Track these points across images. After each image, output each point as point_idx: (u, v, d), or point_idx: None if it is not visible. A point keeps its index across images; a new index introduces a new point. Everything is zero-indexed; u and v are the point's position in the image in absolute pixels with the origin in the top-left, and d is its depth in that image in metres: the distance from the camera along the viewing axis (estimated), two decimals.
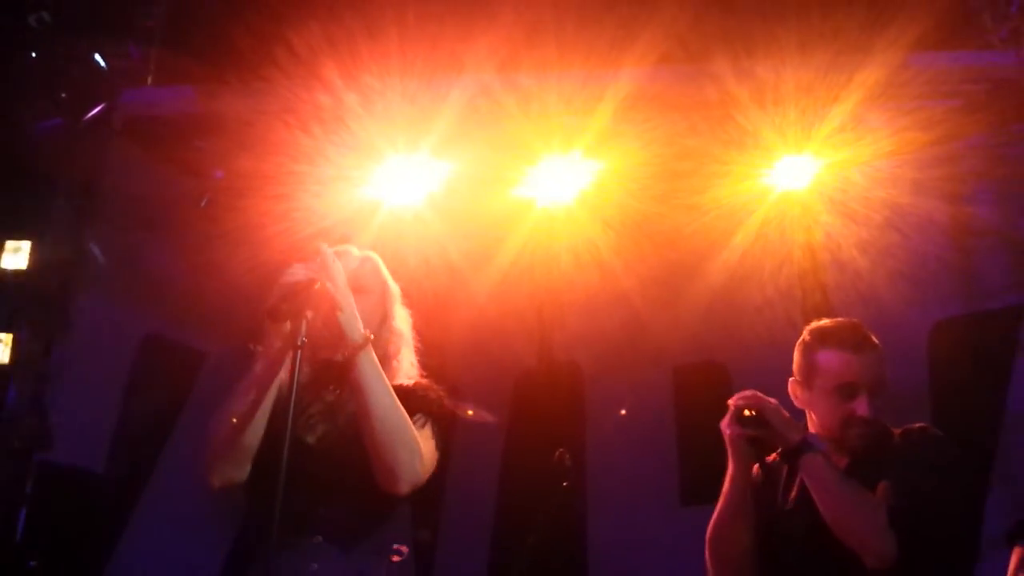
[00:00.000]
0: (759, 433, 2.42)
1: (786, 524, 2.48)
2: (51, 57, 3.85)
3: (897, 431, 2.53)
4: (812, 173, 4.38)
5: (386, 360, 2.23)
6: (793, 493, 2.50)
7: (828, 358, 2.49)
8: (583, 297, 5.16)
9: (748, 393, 2.47)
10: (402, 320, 2.36)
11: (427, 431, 2.19)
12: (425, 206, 4.61)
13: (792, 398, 2.61)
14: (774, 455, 2.51)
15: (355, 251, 2.37)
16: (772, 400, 2.44)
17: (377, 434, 2.03)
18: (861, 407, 2.41)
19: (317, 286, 2.03)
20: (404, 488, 2.08)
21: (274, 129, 3.85)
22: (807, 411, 2.58)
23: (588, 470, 5.41)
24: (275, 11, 3.62)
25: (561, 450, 4.71)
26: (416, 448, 2.07)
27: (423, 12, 3.61)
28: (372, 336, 2.09)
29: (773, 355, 5.22)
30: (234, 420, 2.04)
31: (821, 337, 2.55)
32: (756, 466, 2.58)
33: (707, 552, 2.54)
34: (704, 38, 3.73)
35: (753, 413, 2.42)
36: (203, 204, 4.22)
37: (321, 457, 2.08)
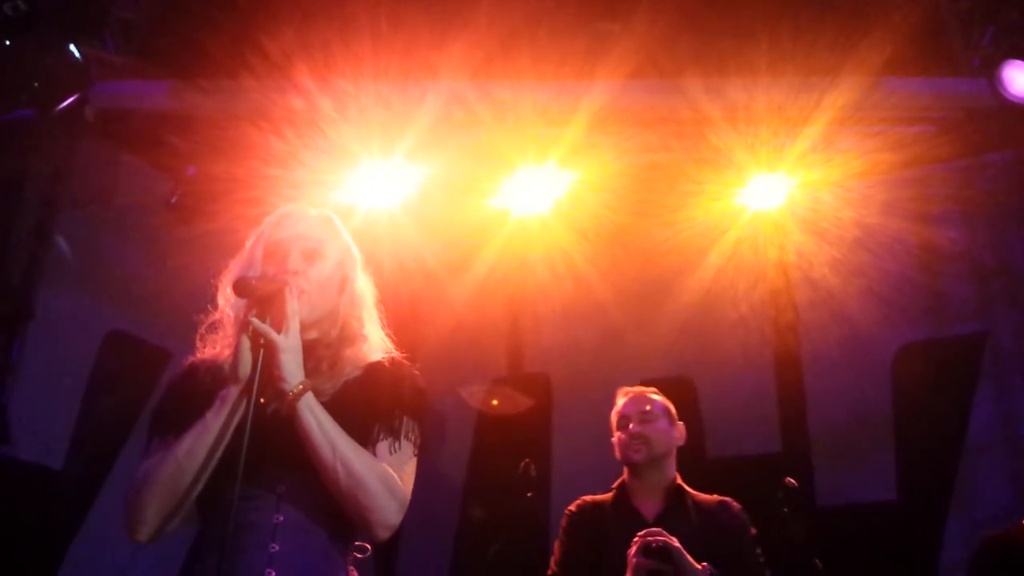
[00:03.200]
0: (663, 568, 2.70)
1: None
2: (25, 46, 3.80)
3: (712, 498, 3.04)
4: (784, 192, 4.42)
5: (352, 338, 2.08)
6: None
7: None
8: (558, 307, 5.16)
9: (657, 531, 2.79)
10: (365, 287, 2.17)
11: (403, 452, 2.01)
12: (400, 211, 4.60)
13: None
14: None
15: (312, 211, 2.17)
16: (676, 543, 2.77)
17: (339, 485, 1.87)
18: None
19: (287, 290, 1.93)
20: (382, 535, 1.93)
21: (246, 133, 3.82)
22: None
23: (554, 481, 5.40)
24: (248, 13, 3.60)
25: (527, 461, 4.71)
26: (384, 491, 1.91)
27: (397, 18, 3.60)
28: (308, 385, 1.92)
29: (744, 372, 5.28)
30: (175, 476, 1.88)
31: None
32: None
33: None
34: (676, 56, 3.75)
35: (659, 548, 2.72)
36: (173, 201, 4.18)
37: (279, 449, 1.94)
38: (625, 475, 3.12)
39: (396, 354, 2.14)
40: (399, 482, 1.95)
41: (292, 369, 1.89)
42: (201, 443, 1.89)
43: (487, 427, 5.66)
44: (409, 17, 3.59)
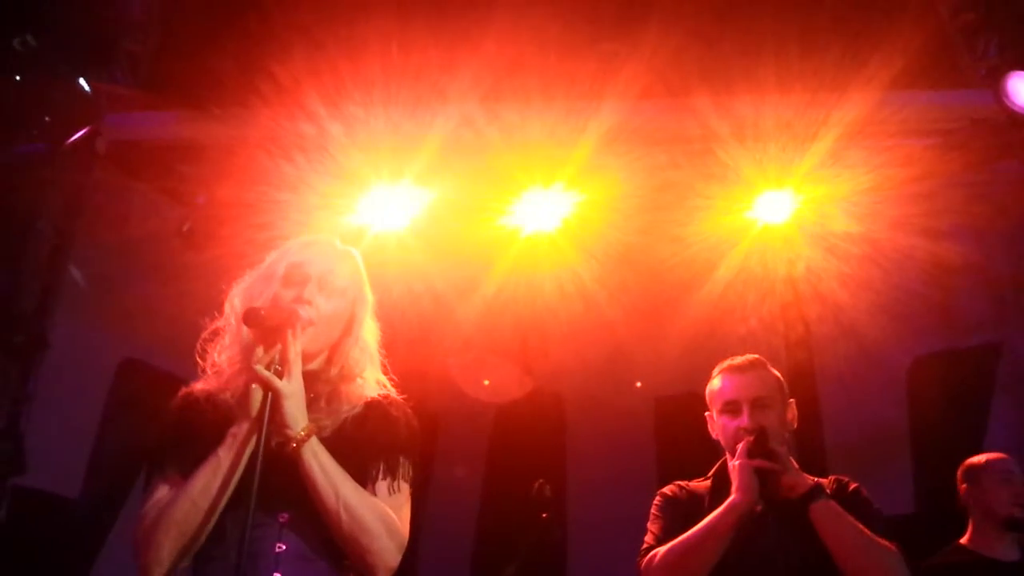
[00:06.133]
0: (770, 467, 2.55)
1: (765, 562, 2.51)
2: (35, 81, 3.84)
3: (826, 479, 2.70)
4: (792, 208, 4.42)
5: (349, 377, 2.12)
6: (772, 532, 2.55)
7: (717, 383, 2.80)
8: (566, 327, 5.16)
9: (761, 430, 2.60)
10: (370, 332, 2.19)
11: (400, 495, 2.04)
12: (409, 235, 4.61)
13: (710, 432, 2.84)
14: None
15: (338, 245, 2.21)
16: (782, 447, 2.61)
17: (341, 528, 1.91)
18: (743, 420, 2.65)
19: (298, 323, 1.96)
20: (382, 575, 1.97)
21: (256, 158, 3.85)
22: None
23: (569, 501, 5.39)
24: (258, 41, 3.63)
25: (541, 481, 4.70)
26: (384, 534, 1.94)
27: (407, 43, 3.63)
28: (312, 430, 1.94)
29: None
30: (191, 514, 1.90)
31: (716, 370, 2.86)
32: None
33: (666, 571, 2.53)
34: (684, 74, 3.78)
35: (765, 446, 2.56)
36: (185, 229, 4.21)
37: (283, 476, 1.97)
38: (727, 460, 2.76)
39: (393, 394, 2.18)
40: (398, 524, 1.99)
41: (295, 415, 1.92)
42: (216, 480, 1.91)
43: (500, 447, 5.66)
44: (419, 41, 3.62)
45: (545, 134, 3.96)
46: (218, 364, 2.11)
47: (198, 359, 2.14)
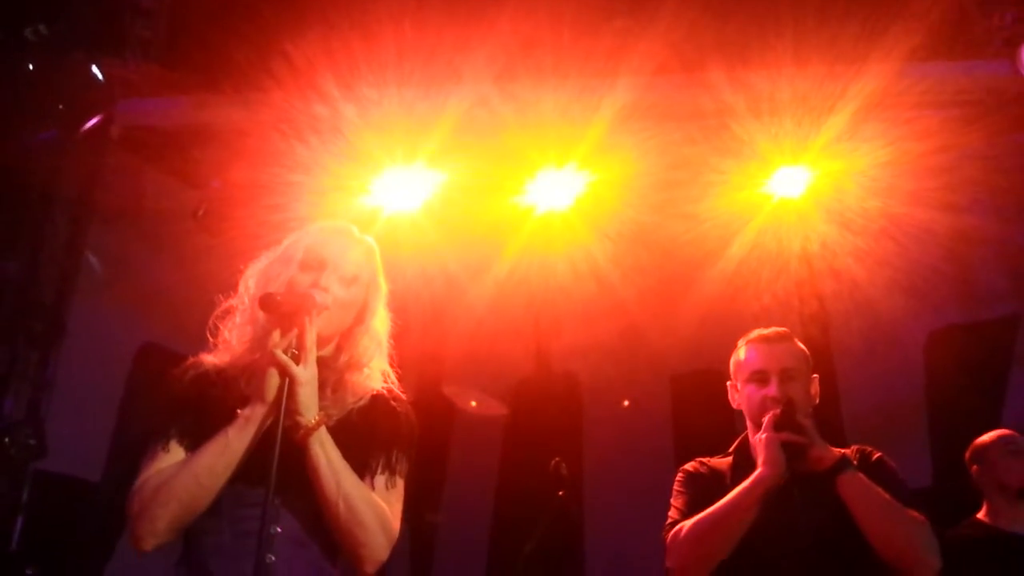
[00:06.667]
0: (797, 441, 2.52)
1: (791, 535, 2.49)
2: (48, 69, 3.84)
3: (849, 449, 2.66)
4: (808, 182, 4.39)
5: (357, 366, 2.13)
6: (798, 505, 2.52)
7: (744, 353, 2.76)
8: (580, 306, 5.16)
9: (788, 403, 2.57)
10: (381, 322, 2.20)
11: (396, 491, 2.08)
12: (422, 216, 4.61)
13: (731, 402, 2.80)
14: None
15: (357, 234, 2.22)
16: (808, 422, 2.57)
17: (339, 519, 1.94)
18: (772, 390, 2.62)
19: (314, 310, 1.97)
20: (370, 569, 2.01)
21: (270, 140, 3.85)
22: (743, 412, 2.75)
23: (585, 479, 5.41)
24: (272, 23, 3.62)
25: (558, 459, 4.71)
26: (379, 529, 1.98)
27: (420, 23, 3.61)
28: (322, 420, 1.97)
29: None
30: (193, 490, 1.91)
31: (743, 341, 2.82)
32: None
33: (690, 547, 2.51)
34: (700, 48, 3.74)
35: (793, 420, 2.53)
36: (200, 213, 4.22)
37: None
38: (749, 432, 2.74)
39: (396, 388, 2.19)
40: (392, 520, 2.03)
41: (308, 403, 1.94)
42: (223, 462, 1.92)
43: (517, 427, 5.67)
44: (432, 21, 3.60)
45: (559, 112, 3.94)
46: (228, 340, 2.12)
47: (208, 335, 2.14)
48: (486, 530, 5.52)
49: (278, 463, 1.87)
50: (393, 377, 2.21)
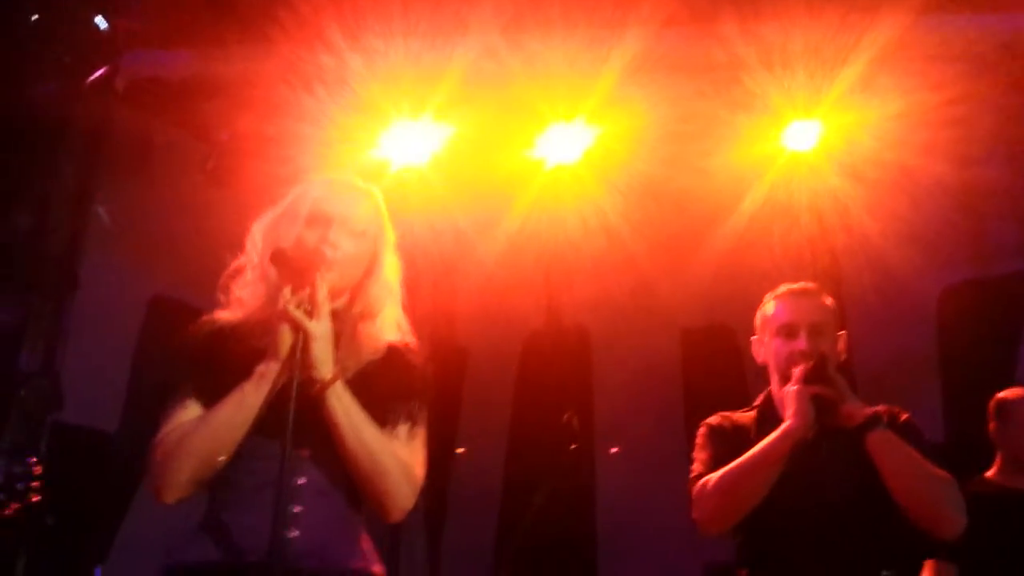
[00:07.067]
0: (827, 394, 2.49)
1: (818, 490, 2.49)
2: (53, 20, 3.82)
3: (878, 408, 2.60)
4: (820, 135, 4.33)
5: (369, 316, 2.14)
6: (825, 460, 2.52)
7: (771, 307, 2.72)
8: (590, 261, 5.14)
9: (821, 358, 2.54)
10: (391, 270, 2.21)
11: (418, 440, 2.10)
12: (431, 170, 4.59)
13: (755, 357, 2.77)
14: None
15: (359, 184, 2.22)
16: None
17: (361, 470, 1.96)
18: (801, 343, 2.58)
19: (324, 265, 1.98)
20: (396, 517, 2.03)
21: (277, 91, 3.83)
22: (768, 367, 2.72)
23: (596, 433, 5.45)
24: None
25: (569, 413, 4.74)
26: (402, 477, 2.00)
27: None
28: (338, 374, 1.97)
29: None
30: (210, 445, 1.93)
31: (770, 295, 2.78)
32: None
33: (718, 499, 2.49)
34: None
35: (825, 376, 2.50)
36: (208, 167, 4.21)
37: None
38: (774, 387, 2.69)
39: (410, 338, 2.20)
40: (415, 468, 2.05)
41: (323, 357, 1.94)
42: (240, 416, 1.94)
43: (527, 381, 5.70)
44: None
45: (568, 63, 3.89)
46: (241, 298, 2.13)
47: (220, 295, 2.15)
48: (498, 483, 5.58)
49: (299, 416, 1.88)
50: (407, 326, 2.22)
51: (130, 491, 4.70)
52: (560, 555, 4.94)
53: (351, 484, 2.01)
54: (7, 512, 2.76)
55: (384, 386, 2.08)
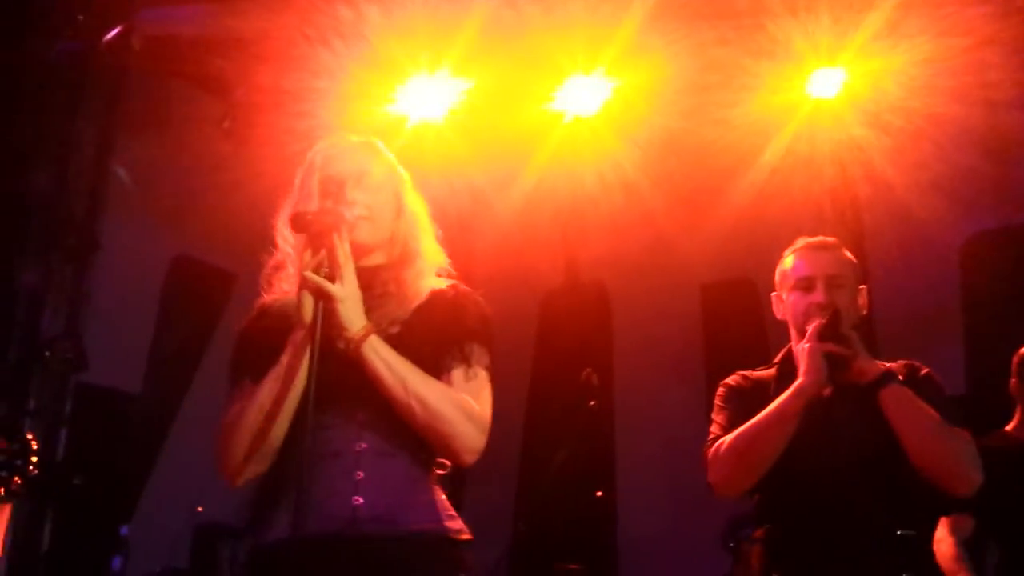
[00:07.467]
0: (842, 352, 2.46)
1: (832, 448, 2.48)
2: None
3: (896, 364, 2.58)
4: (844, 83, 4.26)
5: (411, 256, 2.11)
6: (840, 417, 2.50)
7: (790, 262, 2.68)
8: (608, 217, 5.11)
9: (835, 311, 2.50)
10: (417, 205, 2.17)
11: (476, 380, 2.02)
12: (447, 126, 4.55)
13: (775, 314, 2.73)
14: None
15: (354, 139, 2.18)
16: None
17: (417, 420, 1.92)
18: (818, 296, 2.55)
19: (344, 224, 1.92)
20: (468, 460, 1.96)
21: (294, 44, 3.79)
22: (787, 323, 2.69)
23: (616, 389, 5.45)
24: None
25: (588, 369, 4.73)
26: (462, 418, 1.93)
27: None
28: (370, 329, 1.93)
29: None
30: (260, 421, 1.92)
31: (789, 251, 2.74)
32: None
33: (732, 462, 2.48)
34: None
35: (838, 333, 2.46)
36: (225, 125, 4.19)
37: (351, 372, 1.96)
38: (794, 343, 2.64)
39: (452, 272, 2.16)
40: (476, 407, 1.98)
41: (351, 317, 1.90)
42: (282, 388, 1.92)
43: (547, 338, 5.70)
44: None
45: (588, 11, 3.82)
46: (281, 285, 2.12)
47: (262, 292, 2.14)
48: (518, 441, 5.60)
49: (345, 381, 1.88)
50: (444, 257, 2.18)
51: (154, 451, 4.76)
52: (579, 513, 4.97)
53: (414, 443, 1.97)
54: (10, 487, 2.78)
55: (431, 333, 2.04)
